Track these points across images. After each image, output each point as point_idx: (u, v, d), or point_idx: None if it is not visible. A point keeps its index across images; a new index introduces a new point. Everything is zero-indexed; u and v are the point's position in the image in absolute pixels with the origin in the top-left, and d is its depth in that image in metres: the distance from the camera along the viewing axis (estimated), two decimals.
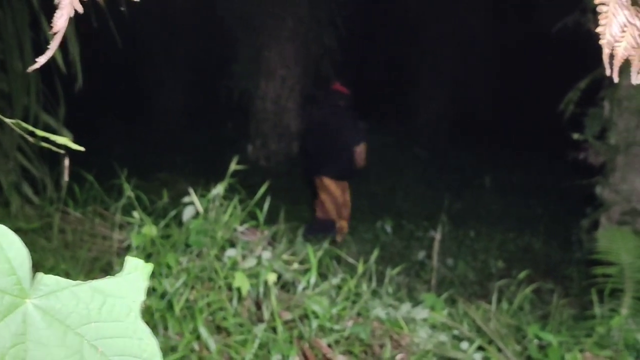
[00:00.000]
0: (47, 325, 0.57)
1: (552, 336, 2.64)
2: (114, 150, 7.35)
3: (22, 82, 3.48)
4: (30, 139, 1.06)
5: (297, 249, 3.14)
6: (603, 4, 0.91)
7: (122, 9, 2.07)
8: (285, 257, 2.98)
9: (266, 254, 2.85)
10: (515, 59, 11.65)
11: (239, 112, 9.26)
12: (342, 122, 5.40)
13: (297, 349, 2.53)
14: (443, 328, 2.82)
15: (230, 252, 2.84)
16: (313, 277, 2.82)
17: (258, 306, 2.75)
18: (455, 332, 2.80)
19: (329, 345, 2.61)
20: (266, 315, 2.64)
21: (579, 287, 4.78)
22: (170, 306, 2.61)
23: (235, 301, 2.68)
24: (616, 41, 0.91)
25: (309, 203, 6.35)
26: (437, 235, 4.29)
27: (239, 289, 2.65)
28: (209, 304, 2.66)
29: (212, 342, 2.48)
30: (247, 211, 3.13)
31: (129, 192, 3.16)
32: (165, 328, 2.58)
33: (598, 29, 0.92)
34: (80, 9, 0.83)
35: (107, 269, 3.11)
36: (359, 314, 2.79)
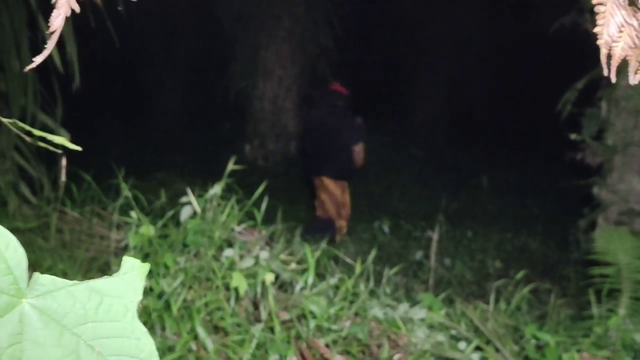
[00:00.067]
0: (43, 325, 0.56)
1: (550, 336, 2.64)
2: (112, 150, 7.34)
3: (20, 81, 3.47)
4: (28, 138, 1.06)
5: (295, 249, 3.14)
6: (600, 4, 0.91)
7: (120, 8, 2.07)
8: (282, 257, 2.98)
9: (264, 254, 2.85)
10: (512, 59, 11.66)
11: (237, 112, 9.25)
12: (341, 122, 5.40)
13: (294, 349, 2.53)
14: (441, 328, 2.82)
15: (228, 252, 2.84)
16: (311, 277, 2.82)
17: (255, 306, 2.75)
18: (453, 332, 2.80)
19: (327, 345, 2.61)
20: (264, 315, 2.64)
21: (576, 287, 4.79)
22: (167, 306, 2.61)
23: (232, 301, 2.67)
24: (614, 41, 0.91)
25: (307, 203, 6.35)
26: (435, 236, 4.29)
27: (236, 289, 2.65)
28: (206, 304, 2.66)
29: (209, 342, 2.48)
30: (245, 211, 3.13)
31: (126, 192, 3.16)
32: (163, 328, 2.57)
33: (595, 29, 0.92)
34: (78, 9, 0.83)
35: (105, 269, 3.11)
36: (356, 314, 2.79)
